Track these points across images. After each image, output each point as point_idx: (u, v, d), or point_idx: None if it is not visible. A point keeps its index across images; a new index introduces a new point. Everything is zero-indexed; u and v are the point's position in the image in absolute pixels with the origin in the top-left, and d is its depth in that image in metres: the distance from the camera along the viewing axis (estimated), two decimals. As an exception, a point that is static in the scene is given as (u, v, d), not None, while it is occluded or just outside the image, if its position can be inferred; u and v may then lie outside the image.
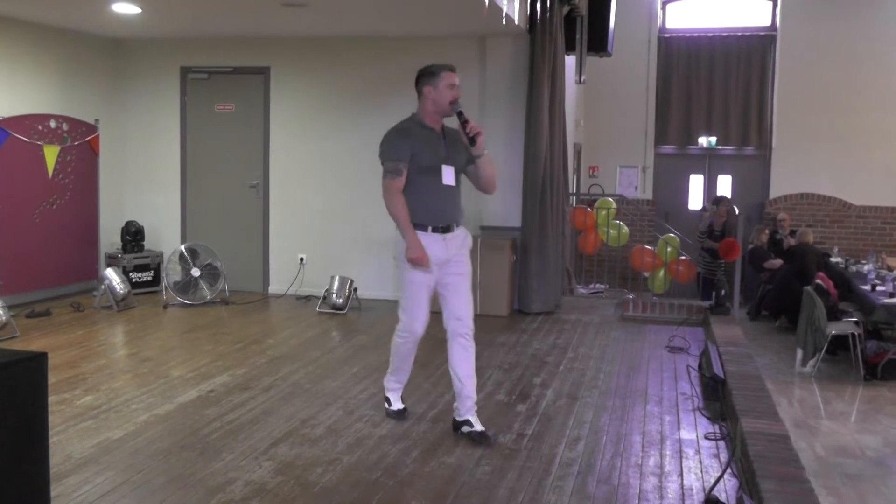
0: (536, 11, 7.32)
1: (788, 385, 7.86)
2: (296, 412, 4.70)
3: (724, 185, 13.04)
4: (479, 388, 5.20)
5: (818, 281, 8.65)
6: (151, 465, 3.86)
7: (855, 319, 8.29)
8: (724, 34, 12.76)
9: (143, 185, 8.83)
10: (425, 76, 4.27)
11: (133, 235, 8.39)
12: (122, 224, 8.46)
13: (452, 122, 4.32)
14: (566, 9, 7.99)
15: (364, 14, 7.06)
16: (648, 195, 13.10)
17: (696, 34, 12.91)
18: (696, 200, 13.17)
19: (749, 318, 10.77)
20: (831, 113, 12.22)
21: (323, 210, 8.38)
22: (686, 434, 4.48)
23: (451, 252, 4.30)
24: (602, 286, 9.90)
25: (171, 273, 8.00)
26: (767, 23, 12.66)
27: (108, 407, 4.73)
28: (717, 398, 4.86)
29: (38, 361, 2.74)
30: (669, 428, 4.58)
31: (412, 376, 4.88)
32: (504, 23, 6.47)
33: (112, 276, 7.61)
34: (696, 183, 13.25)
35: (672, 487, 3.74)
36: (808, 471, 3.63)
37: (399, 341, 4.47)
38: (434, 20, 7.26)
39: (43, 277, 7.75)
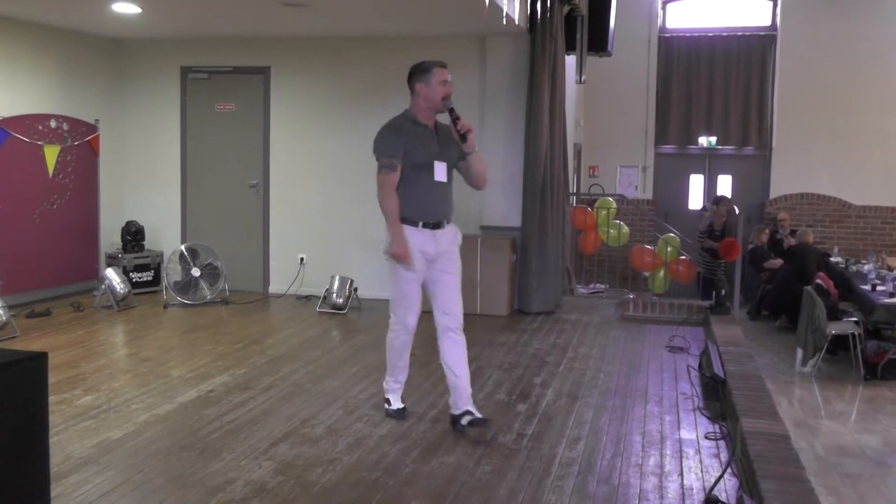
0: (537, 11, 7.32)
1: (788, 385, 7.86)
2: (296, 412, 4.70)
3: (725, 185, 13.04)
4: (480, 388, 5.22)
5: (818, 281, 8.65)
6: (151, 465, 3.86)
7: (855, 319, 8.29)
8: (725, 34, 12.77)
9: (144, 185, 8.83)
10: (417, 73, 4.32)
11: (133, 235, 8.39)
12: (123, 224, 8.46)
13: (445, 119, 4.35)
14: (566, 8, 7.99)
15: (364, 14, 7.06)
16: (648, 195, 13.10)
17: (696, 34, 12.91)
18: (696, 200, 13.17)
19: (749, 317, 10.77)
20: (831, 113, 12.22)
21: (323, 210, 8.38)
22: (686, 434, 4.48)
23: (441, 248, 4.35)
24: (602, 286, 9.90)
25: (172, 273, 8.00)
26: (767, 23, 12.66)
27: (107, 407, 4.73)
28: (717, 398, 4.86)
29: (38, 361, 2.74)
30: (670, 428, 4.58)
31: (412, 376, 4.88)
32: (504, 22, 6.47)
33: (112, 275, 7.61)
34: (697, 183, 13.25)
35: (672, 487, 3.74)
36: (808, 470, 3.63)
37: (391, 336, 4.51)
38: (434, 20, 7.26)
39: (43, 277, 7.75)
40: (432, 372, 5.55)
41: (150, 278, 8.40)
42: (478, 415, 4.35)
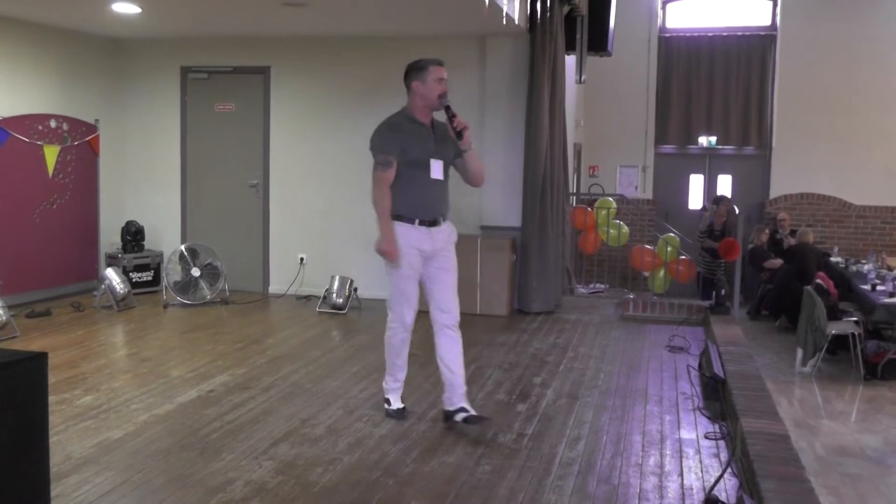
0: (536, 11, 7.32)
1: (788, 385, 7.86)
2: (296, 412, 4.70)
3: (724, 185, 13.04)
4: (480, 388, 5.22)
5: (818, 281, 8.65)
6: (151, 465, 3.86)
7: (855, 319, 8.29)
8: (725, 34, 12.77)
9: (144, 185, 8.83)
10: (414, 71, 4.35)
11: (133, 235, 8.39)
12: (123, 224, 8.46)
13: (442, 116, 4.38)
14: (566, 8, 7.99)
15: (364, 14, 7.06)
16: (648, 195, 13.10)
17: (696, 34, 12.91)
18: (696, 200, 13.18)
19: (749, 317, 10.77)
20: (831, 112, 12.22)
21: (323, 210, 8.38)
22: (686, 434, 4.48)
23: (438, 245, 4.39)
24: (602, 286, 9.90)
25: (171, 273, 8.00)
26: (767, 22, 12.66)
27: (107, 407, 4.73)
28: (717, 398, 4.86)
29: (38, 361, 2.74)
30: (669, 427, 4.58)
31: (412, 376, 4.89)
32: (504, 22, 6.47)
33: (112, 275, 7.61)
34: (696, 182, 13.25)
35: (672, 487, 3.74)
36: (808, 470, 3.63)
37: (389, 334, 4.53)
38: (434, 20, 7.26)
39: (43, 277, 7.75)
40: (432, 372, 5.55)
41: (149, 278, 8.41)
42: (473, 412, 4.39)
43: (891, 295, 8.26)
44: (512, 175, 7.82)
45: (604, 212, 8.76)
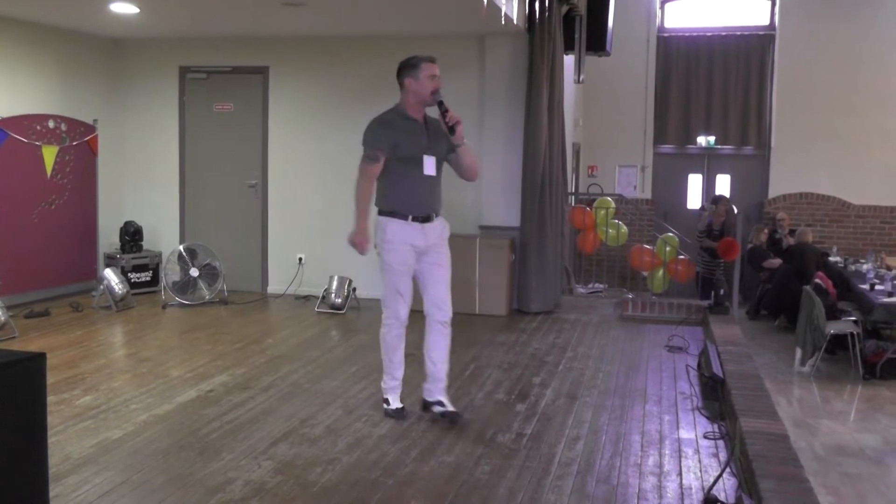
0: (535, 11, 7.32)
1: (787, 384, 7.86)
2: (295, 412, 4.70)
3: (723, 185, 13.05)
4: (479, 388, 5.23)
5: (817, 280, 8.65)
6: (150, 465, 3.85)
7: (854, 319, 8.30)
8: (723, 33, 12.78)
9: (142, 185, 8.83)
10: (406, 68, 4.39)
11: (132, 235, 8.39)
12: (121, 224, 8.46)
13: (435, 113, 4.41)
14: (565, 8, 8.00)
15: (363, 14, 7.06)
16: (647, 195, 13.11)
17: (694, 33, 12.92)
18: (694, 200, 13.19)
19: (748, 317, 10.77)
20: (830, 112, 12.23)
21: (322, 210, 8.38)
22: (685, 433, 4.48)
23: (431, 241, 4.44)
24: (601, 286, 9.90)
25: (170, 273, 8.00)
26: (766, 22, 12.67)
27: (107, 407, 4.72)
28: (716, 397, 4.86)
29: (36, 362, 2.74)
30: (668, 427, 4.58)
31: (410, 376, 4.88)
32: (503, 22, 6.47)
33: (111, 276, 7.60)
34: (695, 182, 13.26)
35: (671, 487, 3.74)
36: (807, 470, 3.63)
37: (384, 330, 4.55)
38: (433, 20, 7.26)
39: (42, 278, 7.75)
40: (431, 372, 5.56)
41: (148, 278, 8.40)
42: (450, 408, 4.50)
43: (889, 294, 8.26)
44: (511, 175, 7.83)
45: (603, 211, 8.76)
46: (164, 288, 8.05)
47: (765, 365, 8.18)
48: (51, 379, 4.48)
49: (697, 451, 4.20)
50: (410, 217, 4.38)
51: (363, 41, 8.14)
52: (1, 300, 6.42)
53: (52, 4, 6.91)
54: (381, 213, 4.45)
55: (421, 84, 4.34)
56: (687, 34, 12.95)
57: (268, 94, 8.45)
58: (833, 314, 8.25)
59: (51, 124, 7.75)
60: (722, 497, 3.56)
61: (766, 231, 11.46)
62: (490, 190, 7.98)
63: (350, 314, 7.63)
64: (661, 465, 4.00)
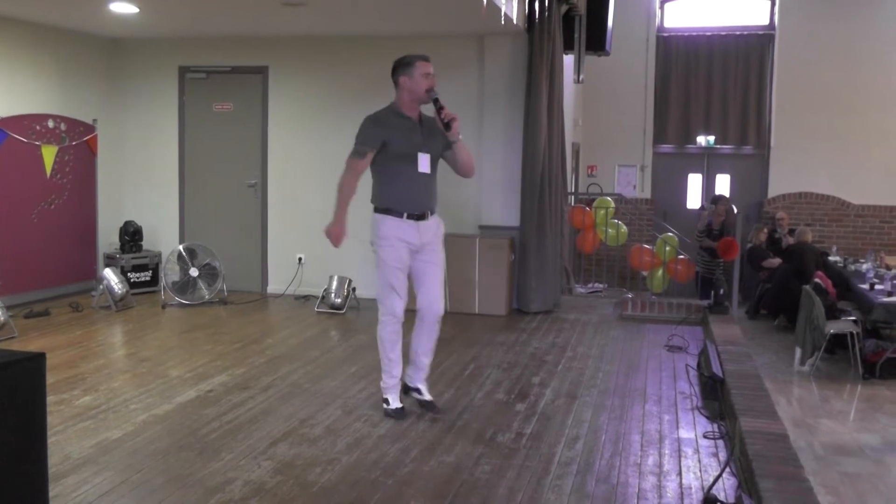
0: (535, 11, 7.32)
1: (787, 384, 7.86)
2: (295, 412, 4.69)
3: (723, 184, 13.05)
4: (479, 388, 5.24)
5: (817, 280, 8.65)
6: (150, 465, 3.85)
7: (853, 318, 8.30)
8: (723, 33, 12.78)
9: (142, 185, 8.83)
10: (401, 67, 4.45)
11: (131, 235, 8.38)
12: (121, 224, 8.46)
13: (430, 111, 4.45)
14: (564, 8, 7.99)
15: (363, 13, 7.06)
16: (647, 194, 13.11)
17: (694, 33, 12.92)
18: (694, 199, 13.18)
19: (748, 317, 10.78)
20: (830, 112, 12.23)
21: (321, 210, 8.27)
22: (685, 433, 4.49)
23: (425, 239, 4.51)
24: (601, 285, 9.90)
25: (170, 273, 8.00)
26: (766, 22, 12.67)
27: (106, 407, 4.72)
28: (715, 397, 4.86)
29: (36, 362, 2.74)
30: (668, 427, 4.58)
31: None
32: (503, 22, 6.47)
33: (110, 276, 7.60)
34: (695, 182, 13.26)
35: (671, 486, 3.74)
36: (806, 469, 3.63)
37: (380, 328, 4.57)
38: (433, 19, 7.26)
39: (41, 277, 7.75)
40: (430, 371, 5.55)
41: (148, 278, 8.40)
42: (427, 397, 4.71)
43: (889, 294, 8.26)
44: (510, 175, 7.83)
45: (602, 211, 8.77)
46: (164, 288, 8.05)
47: (764, 364, 8.18)
48: (51, 379, 4.48)
49: (697, 451, 4.20)
50: (405, 214, 4.44)
51: (363, 41, 8.14)
52: (1, 300, 6.42)
53: (52, 4, 6.91)
54: (376, 210, 4.52)
55: (415, 82, 4.39)
56: (686, 34, 12.95)
57: (267, 94, 8.45)
58: (833, 314, 8.25)
59: (50, 124, 7.75)
60: (722, 497, 3.56)
61: (765, 231, 11.47)
62: (490, 190, 7.99)
63: (350, 314, 7.63)
64: (660, 465, 4.00)
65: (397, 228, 4.43)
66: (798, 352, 8.28)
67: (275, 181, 8.49)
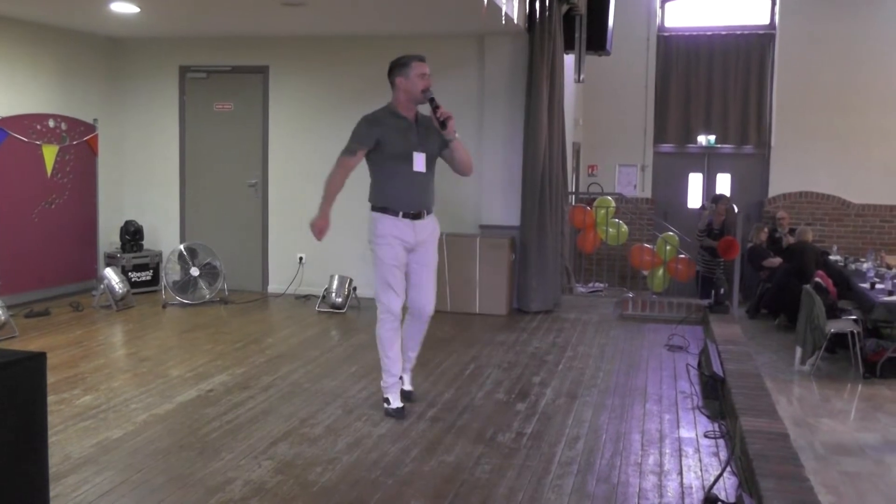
0: (535, 10, 7.31)
1: (788, 383, 7.87)
2: (295, 411, 4.70)
3: (723, 184, 13.05)
4: (479, 387, 5.23)
5: (817, 279, 8.66)
6: (150, 465, 3.85)
7: (854, 317, 8.30)
8: (723, 33, 12.78)
9: (142, 185, 8.83)
10: (397, 67, 4.52)
11: (132, 235, 8.39)
12: (121, 223, 8.46)
13: (427, 110, 4.49)
14: (565, 7, 7.99)
15: (363, 13, 7.06)
16: (647, 194, 13.11)
17: (695, 33, 12.92)
18: (695, 199, 13.18)
19: (748, 316, 10.78)
20: (830, 111, 12.23)
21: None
22: (685, 432, 4.48)
23: (421, 238, 4.56)
24: (601, 285, 9.91)
25: (170, 272, 8.00)
26: (766, 21, 12.67)
27: (107, 407, 4.72)
28: (716, 396, 4.87)
29: (37, 361, 2.74)
30: (669, 426, 4.58)
31: (411, 376, 4.89)
32: (503, 22, 6.46)
33: (111, 275, 7.60)
34: (695, 181, 13.26)
35: (671, 486, 3.74)
36: (807, 469, 3.63)
37: (378, 326, 4.59)
38: (433, 19, 7.26)
39: (42, 277, 7.75)
40: (431, 371, 5.57)
41: (148, 278, 8.40)
42: (408, 386, 4.86)
43: (889, 293, 8.27)
44: (511, 174, 7.82)
45: (603, 211, 8.77)
46: (165, 287, 8.05)
47: (765, 364, 8.19)
48: (51, 378, 4.48)
49: (698, 450, 4.20)
50: (401, 213, 4.49)
51: (363, 41, 8.14)
52: (1, 300, 6.42)
53: (53, 4, 6.91)
54: (373, 208, 4.58)
55: (411, 82, 4.44)
56: (687, 33, 12.95)
57: (268, 94, 8.45)
58: (833, 313, 8.26)
59: (51, 124, 7.75)
60: (722, 496, 3.56)
61: (766, 230, 11.47)
62: (490, 189, 7.99)
63: (350, 314, 7.63)
64: (661, 465, 4.00)
65: (393, 227, 4.48)
66: (798, 351, 8.29)
67: (275, 181, 8.49)
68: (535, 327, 7.17)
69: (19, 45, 7.60)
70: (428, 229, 4.60)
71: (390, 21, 7.38)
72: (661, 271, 8.58)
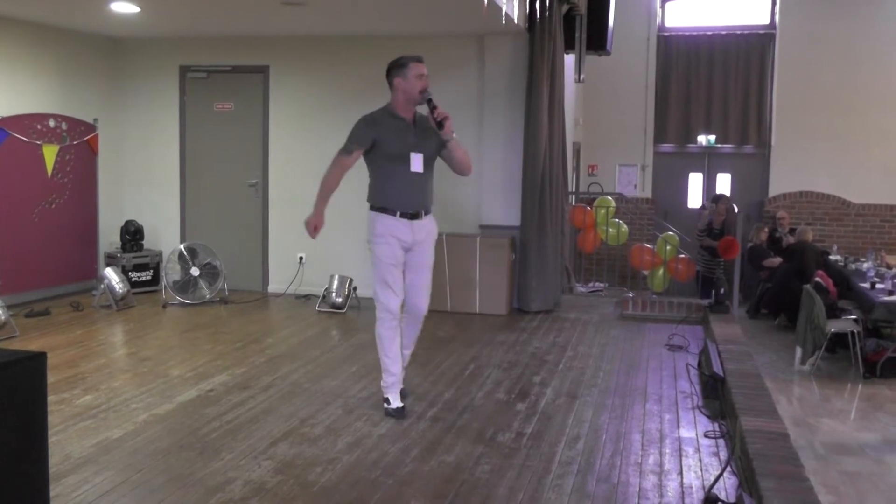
0: (535, 10, 7.31)
1: (788, 383, 7.87)
2: (295, 411, 4.70)
3: (724, 184, 13.05)
4: (479, 387, 5.24)
5: (817, 279, 8.65)
6: (151, 465, 3.85)
7: (854, 317, 8.30)
8: (724, 32, 12.78)
9: (143, 185, 8.83)
10: (395, 68, 4.55)
11: (132, 235, 8.39)
12: (122, 223, 8.46)
13: (425, 111, 4.49)
14: (565, 7, 7.99)
15: (363, 13, 7.06)
16: (647, 193, 13.11)
17: (695, 32, 12.92)
18: (695, 199, 13.18)
19: (748, 316, 10.78)
20: (830, 111, 12.23)
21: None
22: (685, 432, 4.49)
23: (418, 238, 4.60)
24: (601, 285, 9.91)
25: (171, 272, 8.00)
26: (766, 21, 12.67)
27: (107, 406, 4.72)
28: (716, 396, 4.87)
29: (37, 361, 2.74)
30: (669, 426, 4.58)
31: (411, 375, 4.90)
32: (503, 22, 6.47)
33: (111, 275, 7.60)
34: (696, 181, 13.26)
35: (672, 486, 3.74)
36: (807, 468, 3.63)
37: (377, 325, 4.61)
38: (433, 19, 7.26)
39: (42, 277, 7.75)
40: (431, 371, 5.57)
41: (149, 278, 8.40)
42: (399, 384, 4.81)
43: (890, 293, 8.26)
44: (511, 174, 7.82)
45: (603, 210, 8.77)
46: (165, 287, 8.05)
47: (765, 364, 8.19)
48: (51, 378, 4.47)
49: (698, 450, 4.20)
50: (399, 213, 4.52)
51: (363, 41, 8.14)
52: (1, 299, 6.42)
53: (53, 4, 6.91)
54: (371, 208, 4.61)
55: (409, 83, 4.47)
56: (687, 33, 12.95)
57: (268, 94, 8.45)
58: (833, 313, 8.25)
59: (51, 123, 7.75)
60: (722, 496, 3.56)
61: (766, 230, 11.47)
62: (490, 189, 7.99)
63: (350, 313, 7.63)
64: (661, 464, 4.00)
65: (391, 226, 4.51)
66: (799, 351, 8.28)
67: (275, 180, 8.49)
68: (535, 327, 7.17)
69: (20, 45, 7.61)
70: (425, 229, 4.63)
71: (390, 21, 7.38)
72: (661, 271, 8.58)
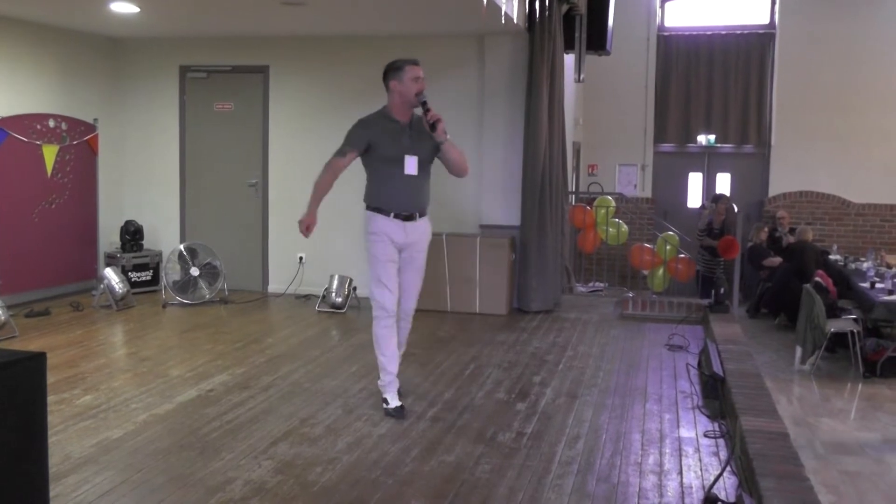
0: (535, 10, 7.31)
1: (788, 383, 7.87)
2: (295, 411, 4.70)
3: (724, 183, 13.05)
4: (479, 387, 5.24)
5: (817, 279, 8.66)
6: (151, 465, 3.86)
7: (854, 317, 8.30)
8: (724, 32, 12.78)
9: (142, 185, 8.83)
10: (391, 71, 4.60)
11: (132, 235, 8.39)
12: (121, 223, 8.46)
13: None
14: (565, 7, 7.99)
15: (363, 13, 7.06)
16: (647, 193, 13.11)
17: (695, 32, 12.92)
18: (695, 198, 13.19)
19: (748, 315, 10.78)
20: (830, 111, 12.23)
21: (322, 209, 8.31)
22: (685, 432, 4.49)
23: (411, 239, 4.65)
24: (601, 284, 9.91)
25: (171, 272, 8.00)
26: (766, 21, 12.67)
27: (107, 406, 4.72)
28: (716, 396, 4.87)
29: (37, 361, 2.74)
30: (669, 426, 4.58)
31: (411, 375, 4.90)
32: (503, 21, 6.46)
33: (111, 275, 7.60)
34: (696, 181, 13.26)
35: (672, 486, 3.74)
36: (807, 468, 3.63)
37: (374, 324, 4.64)
38: (433, 19, 7.26)
39: (42, 277, 7.75)
40: (431, 371, 5.57)
41: (148, 278, 8.40)
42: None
43: (890, 293, 8.26)
44: (511, 174, 7.82)
45: (603, 210, 8.77)
46: (165, 287, 8.05)
47: (765, 363, 8.19)
48: (51, 378, 4.48)
49: (698, 450, 4.20)
50: (392, 214, 4.57)
51: (363, 41, 8.14)
52: (1, 299, 6.42)
53: (53, 4, 6.91)
54: (367, 208, 4.67)
55: (405, 86, 4.51)
56: (687, 33, 12.95)
57: (268, 94, 8.45)
58: (833, 312, 8.25)
59: (51, 123, 7.75)
60: (722, 496, 3.56)
61: (766, 229, 11.47)
62: (490, 189, 7.99)
63: (350, 313, 7.63)
64: (661, 464, 4.00)
65: (384, 226, 4.57)
66: (799, 350, 8.28)
67: (275, 180, 8.49)
68: (535, 327, 7.17)
69: (20, 45, 7.60)
70: (419, 231, 4.67)
71: (390, 21, 7.38)
72: (661, 271, 8.58)
